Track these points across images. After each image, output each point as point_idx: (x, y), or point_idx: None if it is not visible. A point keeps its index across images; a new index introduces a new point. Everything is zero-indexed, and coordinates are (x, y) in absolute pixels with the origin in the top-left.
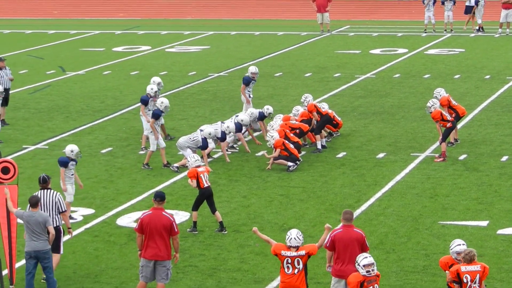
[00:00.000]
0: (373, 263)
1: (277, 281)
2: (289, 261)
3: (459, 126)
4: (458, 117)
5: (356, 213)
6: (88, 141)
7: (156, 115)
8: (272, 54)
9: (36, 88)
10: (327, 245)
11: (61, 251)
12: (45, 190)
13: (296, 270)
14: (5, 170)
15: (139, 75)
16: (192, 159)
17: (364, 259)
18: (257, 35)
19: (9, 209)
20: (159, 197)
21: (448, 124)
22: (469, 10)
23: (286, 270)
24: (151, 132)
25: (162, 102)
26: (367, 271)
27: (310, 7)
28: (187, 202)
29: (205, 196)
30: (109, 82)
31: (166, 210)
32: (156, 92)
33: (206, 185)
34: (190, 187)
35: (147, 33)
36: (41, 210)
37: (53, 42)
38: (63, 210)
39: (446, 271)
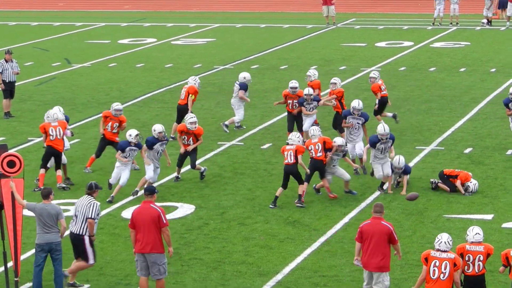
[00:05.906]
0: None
1: (281, 274)
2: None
3: (463, 120)
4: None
5: (361, 206)
6: (94, 133)
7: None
8: (278, 47)
9: (41, 80)
10: (356, 237)
11: (90, 261)
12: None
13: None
14: (11, 164)
15: (145, 67)
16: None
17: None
18: (263, 27)
19: (19, 202)
20: (148, 190)
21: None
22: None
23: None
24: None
25: (244, 77)
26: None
27: (316, 0)
28: (192, 195)
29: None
30: (114, 75)
31: (155, 203)
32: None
33: None
34: (195, 180)
35: (153, 25)
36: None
37: (58, 34)
38: (90, 216)
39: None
